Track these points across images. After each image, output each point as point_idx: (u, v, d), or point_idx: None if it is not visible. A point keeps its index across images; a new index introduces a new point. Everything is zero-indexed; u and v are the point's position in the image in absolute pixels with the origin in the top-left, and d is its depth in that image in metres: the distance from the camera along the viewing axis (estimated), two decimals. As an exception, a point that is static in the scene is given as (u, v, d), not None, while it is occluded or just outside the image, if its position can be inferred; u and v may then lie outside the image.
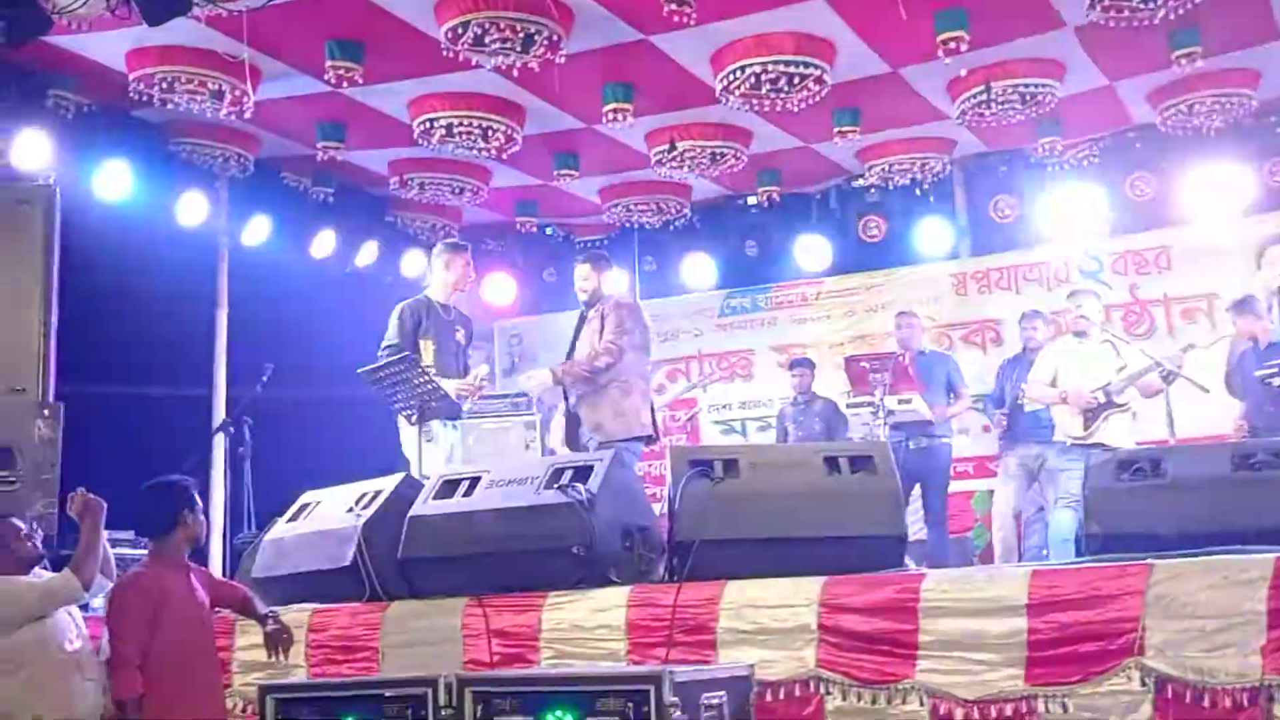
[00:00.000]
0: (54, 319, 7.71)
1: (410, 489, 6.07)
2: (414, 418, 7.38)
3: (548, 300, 12.45)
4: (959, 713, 4.18)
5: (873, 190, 11.26)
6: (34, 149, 8.41)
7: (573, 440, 7.58)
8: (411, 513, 5.68)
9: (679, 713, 3.78)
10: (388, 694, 4.50)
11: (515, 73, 8.12)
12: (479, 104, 9.00)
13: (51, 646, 5.17)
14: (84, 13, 6.42)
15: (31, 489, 7.05)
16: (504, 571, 5.36)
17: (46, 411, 7.30)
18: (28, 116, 8.43)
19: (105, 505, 5.46)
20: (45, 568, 5.51)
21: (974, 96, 9.07)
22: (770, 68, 8.33)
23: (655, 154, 9.95)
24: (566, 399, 7.60)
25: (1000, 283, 11.01)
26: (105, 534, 5.51)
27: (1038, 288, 10.83)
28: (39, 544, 5.44)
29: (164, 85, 8.19)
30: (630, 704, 3.85)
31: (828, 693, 4.42)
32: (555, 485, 5.42)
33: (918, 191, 11.08)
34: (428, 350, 7.79)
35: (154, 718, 4.94)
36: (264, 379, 8.52)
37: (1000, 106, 9.09)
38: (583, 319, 7.63)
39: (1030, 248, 11.08)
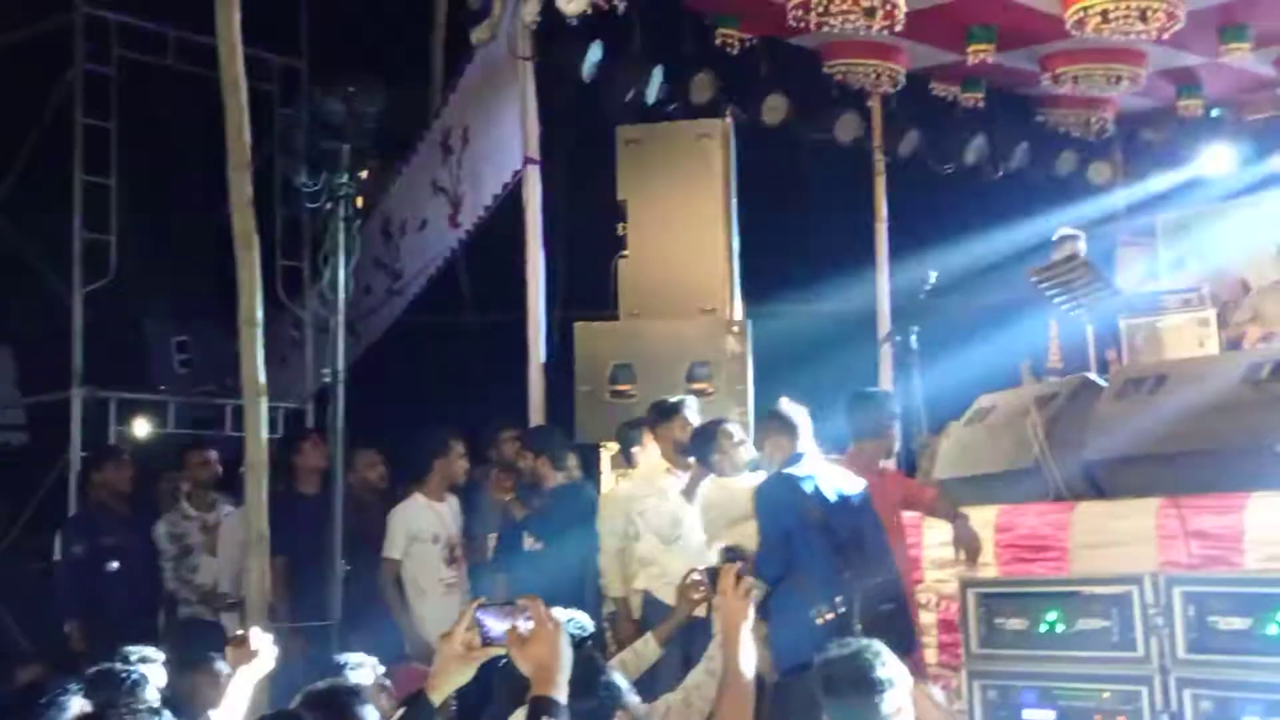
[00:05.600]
0: (736, 243, 8.39)
1: (1089, 390, 6.00)
2: (1084, 316, 7.26)
3: (1218, 188, 11.60)
4: None
5: None
6: (706, 87, 9.10)
7: None
8: (1096, 412, 5.62)
9: None
10: (1086, 591, 4.52)
11: (1177, -56, 7.61)
12: (1136, -15, 8.55)
13: None
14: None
15: (727, 399, 7.74)
16: (1199, 471, 5.18)
17: (736, 328, 7.96)
18: (700, 56, 9.13)
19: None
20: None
21: None
22: None
23: (1345, 14, 8.96)
24: None
25: None
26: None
27: None
28: (751, 448, 5.91)
29: (820, 9, 8.51)
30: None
31: None
32: (1254, 380, 5.13)
33: None
34: None
35: None
36: (926, 288, 8.65)
37: None
38: None
39: None
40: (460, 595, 6.62)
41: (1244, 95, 11.19)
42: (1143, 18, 8.62)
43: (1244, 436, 5.04)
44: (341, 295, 6.40)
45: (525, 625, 2.67)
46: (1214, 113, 11.42)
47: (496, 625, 2.72)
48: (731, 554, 5.26)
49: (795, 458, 5.46)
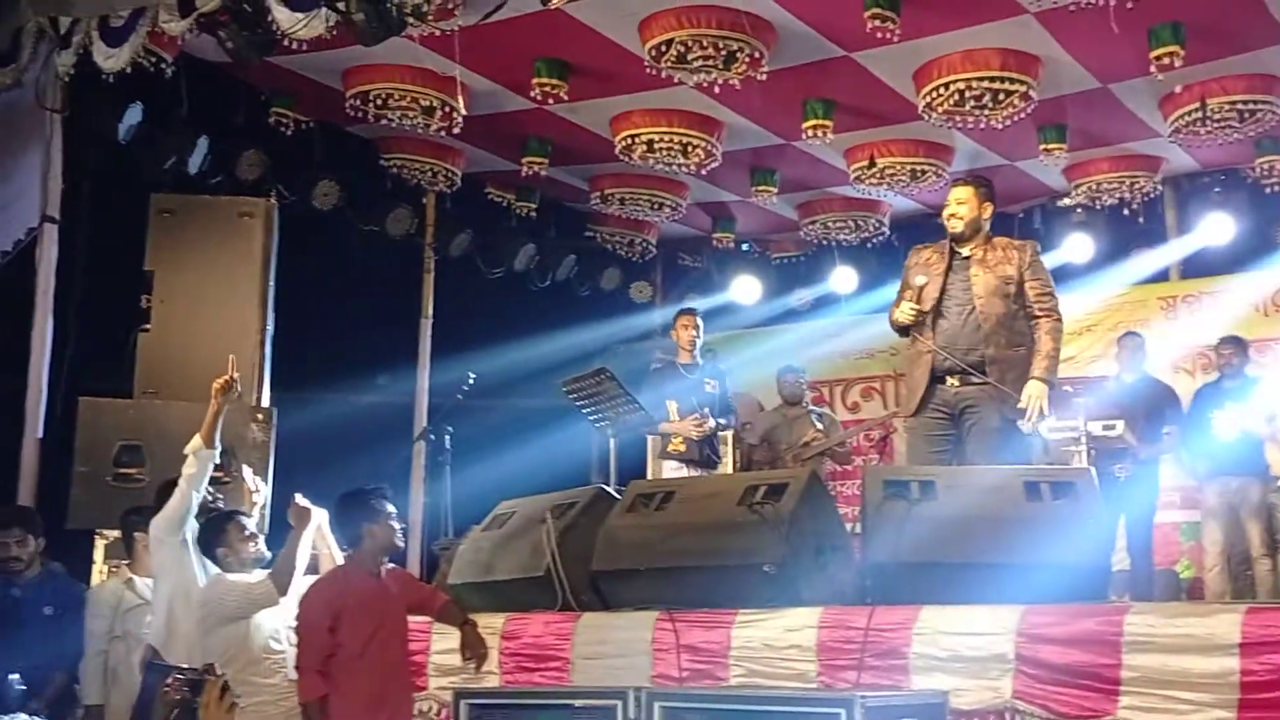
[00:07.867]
0: (270, 327, 8.10)
1: (604, 501, 6.13)
2: (609, 429, 7.49)
3: (745, 316, 12.43)
4: (1164, 753, 4.02)
5: (1079, 210, 10.91)
6: (255, 164, 8.83)
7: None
8: (605, 525, 5.74)
9: (870, 738, 3.74)
10: (577, 704, 4.57)
11: (716, 89, 8.15)
12: (679, 120, 9.08)
13: (254, 646, 5.35)
14: (304, 34, 6.69)
15: (245, 490, 7.36)
16: (695, 587, 5.36)
17: (260, 416, 7.64)
18: (250, 133, 8.85)
19: (313, 512, 5.61)
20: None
21: (1188, 114, 8.73)
22: (975, 84, 8.18)
23: (854, 171, 9.87)
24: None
25: (1213, 307, 10.52)
26: (328, 539, 5.70)
27: (1255, 313, 10.31)
28: (261, 545, 5.63)
29: (378, 102, 8.49)
30: (821, 727, 3.82)
31: (1024, 725, 4.30)
32: (748, 503, 5.40)
33: (1126, 212, 10.70)
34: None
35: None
36: (465, 388, 8.68)
37: (1216, 125, 8.72)
38: (952, 262, 6.30)
39: (1246, 270, 10.57)
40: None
41: (771, 235, 12.11)
42: (684, 152, 9.19)
43: (736, 555, 5.27)
44: None
45: None
46: (744, 246, 12.27)
47: None
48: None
49: None
